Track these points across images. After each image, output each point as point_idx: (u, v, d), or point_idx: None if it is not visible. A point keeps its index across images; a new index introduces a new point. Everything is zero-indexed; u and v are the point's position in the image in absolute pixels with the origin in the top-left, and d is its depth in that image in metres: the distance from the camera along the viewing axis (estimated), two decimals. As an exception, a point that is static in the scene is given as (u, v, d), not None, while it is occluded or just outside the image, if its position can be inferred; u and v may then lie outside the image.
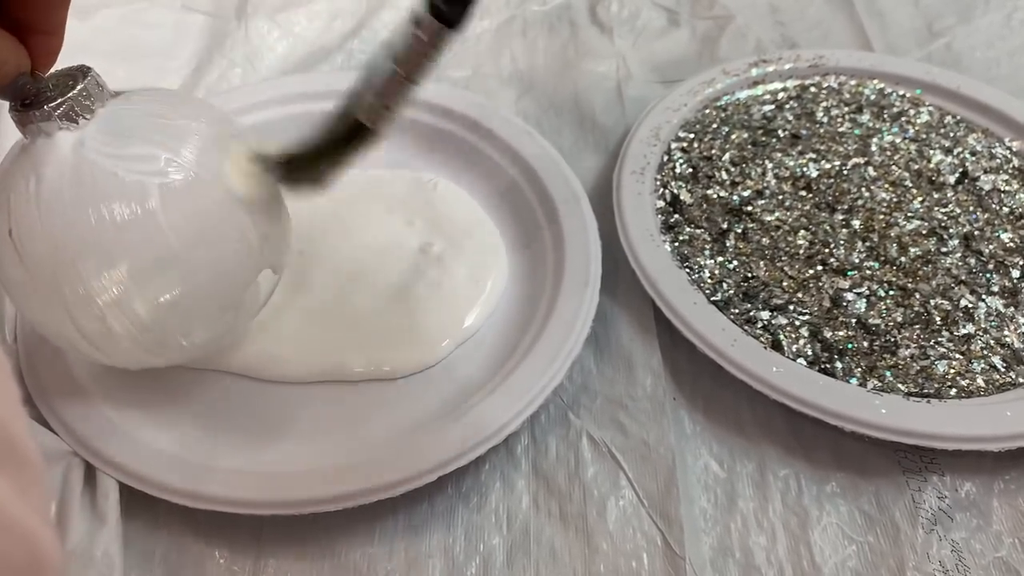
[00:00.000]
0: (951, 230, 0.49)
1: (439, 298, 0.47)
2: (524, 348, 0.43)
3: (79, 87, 0.34)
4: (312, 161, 0.36)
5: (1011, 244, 0.48)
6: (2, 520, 0.18)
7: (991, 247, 0.48)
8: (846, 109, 0.56)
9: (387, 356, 0.44)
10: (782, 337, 0.44)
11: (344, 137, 0.35)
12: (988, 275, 0.47)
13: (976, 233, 0.49)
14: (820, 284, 0.46)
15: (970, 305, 0.45)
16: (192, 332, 0.37)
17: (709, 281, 0.47)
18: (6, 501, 0.18)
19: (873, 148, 0.54)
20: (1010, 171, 0.52)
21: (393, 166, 0.54)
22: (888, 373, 0.43)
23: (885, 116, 0.56)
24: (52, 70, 0.35)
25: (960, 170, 0.52)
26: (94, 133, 0.34)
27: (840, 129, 0.55)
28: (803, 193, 0.51)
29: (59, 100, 0.33)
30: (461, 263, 0.48)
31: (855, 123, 0.55)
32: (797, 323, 0.45)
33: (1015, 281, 0.47)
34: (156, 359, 0.38)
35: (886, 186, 0.51)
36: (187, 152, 0.34)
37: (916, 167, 0.52)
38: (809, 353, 0.43)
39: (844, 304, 0.45)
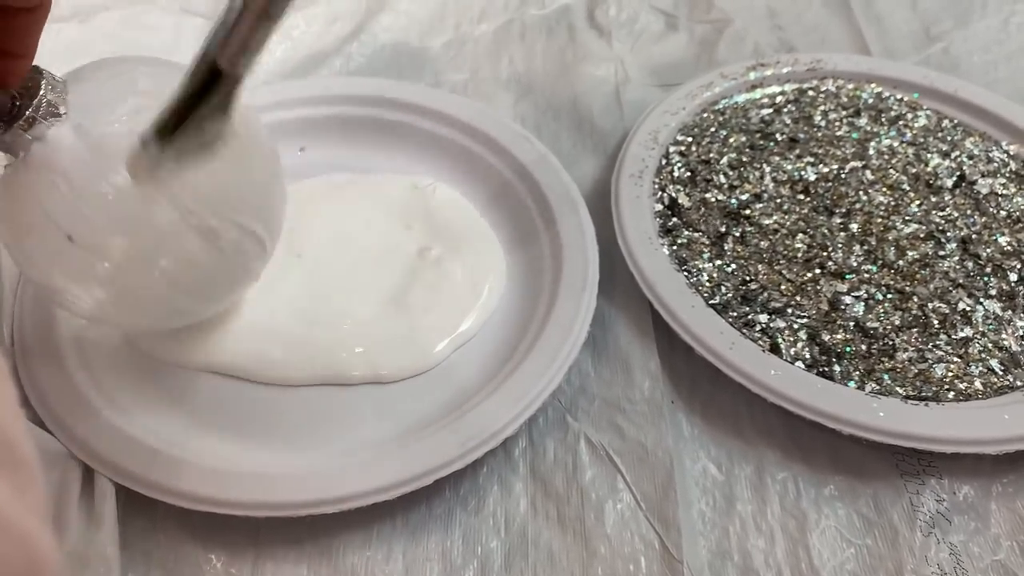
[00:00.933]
0: (949, 234, 0.49)
1: (437, 302, 0.47)
2: (522, 351, 0.43)
3: (43, 83, 0.33)
4: (180, 120, 0.33)
5: (1008, 247, 0.48)
6: (1, 522, 0.18)
7: (989, 250, 0.48)
8: (844, 113, 0.56)
9: (385, 359, 0.44)
10: (780, 340, 0.44)
11: (204, 86, 0.32)
12: (986, 278, 0.47)
13: (974, 236, 0.49)
14: (818, 287, 0.46)
15: (968, 308, 0.45)
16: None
17: (707, 284, 0.47)
18: (4, 503, 0.18)
19: (871, 152, 0.54)
20: (1007, 175, 0.52)
21: (391, 170, 0.54)
22: (886, 376, 0.43)
23: (883, 120, 0.56)
24: None
25: (957, 174, 0.52)
26: (80, 116, 0.34)
27: (838, 133, 0.55)
28: (801, 197, 0.51)
29: (36, 101, 0.33)
30: (459, 267, 0.48)
31: (853, 127, 0.55)
32: (795, 326, 0.45)
33: (1013, 284, 0.47)
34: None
35: (884, 190, 0.51)
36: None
37: (914, 171, 0.53)
38: (807, 356, 0.43)
39: (842, 307, 0.45)
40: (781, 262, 0.48)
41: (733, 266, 0.47)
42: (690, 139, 0.55)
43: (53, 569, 0.20)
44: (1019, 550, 0.39)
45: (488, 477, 0.41)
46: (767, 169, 0.52)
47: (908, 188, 0.51)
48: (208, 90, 0.32)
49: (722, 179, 0.52)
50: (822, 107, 0.57)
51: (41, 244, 0.35)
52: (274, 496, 0.38)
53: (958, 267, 0.47)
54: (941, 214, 0.50)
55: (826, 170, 0.52)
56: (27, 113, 0.33)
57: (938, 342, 0.44)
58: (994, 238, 0.49)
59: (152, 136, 0.33)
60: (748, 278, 0.47)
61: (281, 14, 0.31)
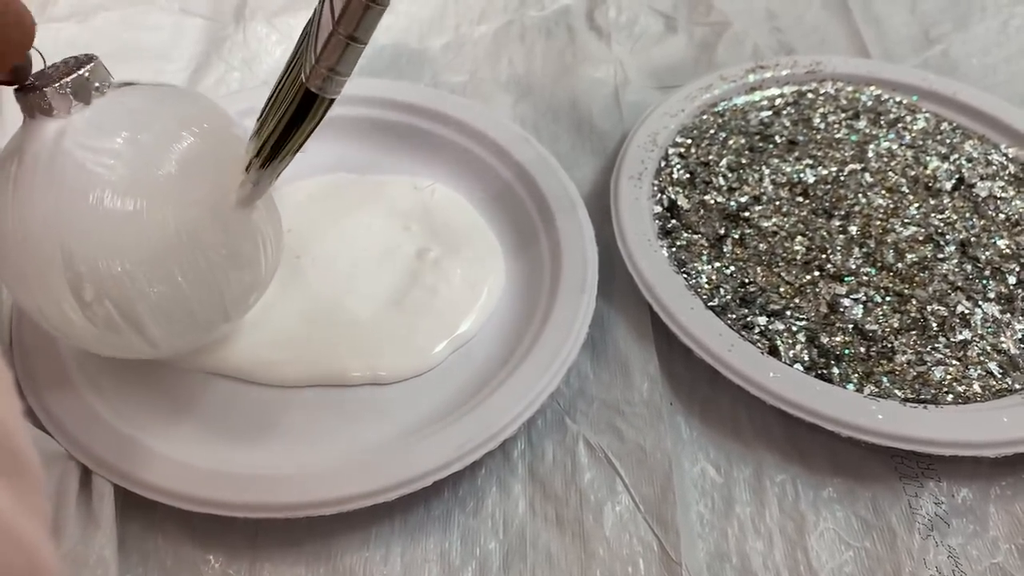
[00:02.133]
0: (948, 236, 0.49)
1: (436, 303, 0.47)
2: (521, 353, 0.43)
3: (81, 72, 0.34)
4: (281, 143, 0.35)
5: (1007, 250, 0.48)
6: (3, 529, 0.18)
7: (987, 253, 0.48)
8: (843, 115, 0.57)
9: (383, 361, 0.44)
10: (779, 342, 0.44)
11: (299, 110, 0.34)
12: (984, 281, 0.47)
13: (972, 239, 0.49)
14: (817, 290, 0.46)
15: (967, 311, 0.45)
16: (146, 328, 0.36)
17: (706, 286, 0.47)
18: (7, 510, 0.18)
19: (870, 154, 0.54)
20: (1006, 178, 0.52)
21: (390, 171, 0.54)
22: (885, 379, 0.43)
23: (882, 122, 0.56)
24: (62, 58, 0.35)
25: (956, 176, 0.52)
26: (81, 123, 0.34)
27: (837, 135, 0.55)
28: (800, 199, 0.51)
29: (58, 83, 0.33)
30: (457, 268, 0.48)
31: (852, 129, 0.56)
32: (794, 328, 0.45)
33: (1011, 287, 0.47)
34: (118, 350, 0.38)
35: (883, 192, 0.51)
36: (161, 153, 0.34)
37: (913, 173, 0.53)
38: (806, 359, 0.43)
39: (841, 310, 0.45)
40: (780, 264, 0.48)
41: (732, 268, 0.48)
42: (689, 141, 0.55)
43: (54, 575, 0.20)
44: (1018, 553, 0.39)
45: (487, 479, 0.41)
46: (766, 171, 0.53)
47: (907, 191, 0.52)
48: (304, 113, 0.34)
49: (721, 181, 0.52)
50: (821, 109, 0.57)
51: (34, 256, 0.34)
52: (272, 498, 0.37)
53: (957, 270, 0.47)
54: (940, 217, 0.50)
55: (825, 172, 0.52)
56: (44, 89, 0.33)
57: (937, 345, 0.44)
58: (993, 241, 0.49)
59: (254, 161, 0.35)
60: (747, 280, 0.47)
61: (368, 37, 0.33)
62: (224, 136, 0.37)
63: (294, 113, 0.34)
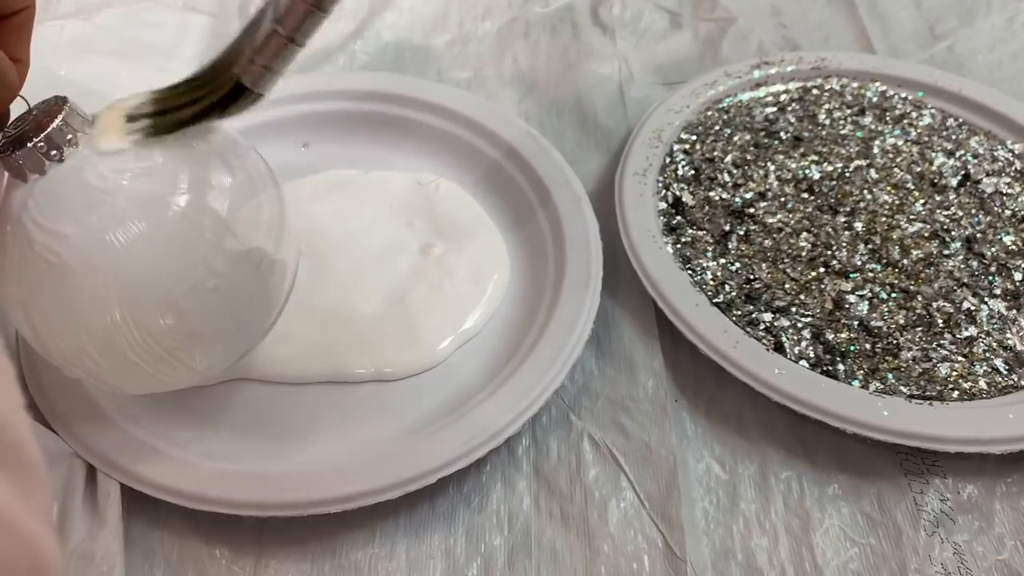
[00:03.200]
0: (953, 233, 0.49)
1: (440, 299, 0.47)
2: (525, 349, 0.43)
3: (64, 112, 0.33)
4: (191, 122, 0.34)
5: (1013, 247, 0.48)
6: (5, 524, 0.18)
7: (993, 250, 0.48)
8: (848, 111, 0.56)
9: (388, 357, 0.44)
10: (784, 339, 0.44)
11: (225, 99, 0.33)
12: (990, 278, 0.47)
13: (978, 236, 0.49)
14: (822, 286, 0.46)
15: (972, 308, 0.45)
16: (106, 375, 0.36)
17: (711, 283, 0.47)
18: (8, 505, 0.19)
19: (875, 150, 0.54)
20: (1012, 174, 0.52)
21: (395, 167, 0.54)
22: (890, 375, 0.43)
23: (887, 118, 0.56)
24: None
25: (962, 173, 0.52)
26: (40, 195, 0.33)
27: (842, 131, 0.55)
28: (805, 195, 0.51)
29: (31, 143, 0.32)
30: (462, 264, 0.48)
31: (857, 125, 0.55)
32: (799, 325, 0.44)
33: (1017, 284, 0.47)
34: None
35: (888, 188, 0.51)
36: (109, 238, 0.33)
37: (918, 170, 0.52)
38: (811, 355, 0.43)
39: (846, 306, 0.45)
40: (785, 261, 0.48)
41: (737, 264, 0.47)
42: (694, 137, 0.55)
43: (57, 571, 0.20)
44: (1023, 549, 0.39)
45: (491, 475, 0.41)
46: (771, 167, 0.52)
47: (912, 187, 0.51)
48: (229, 103, 0.33)
49: (726, 177, 0.52)
50: (826, 105, 0.57)
51: (32, 277, 0.34)
52: (278, 496, 0.38)
53: (962, 266, 0.47)
54: (946, 213, 0.50)
55: (830, 169, 0.52)
56: (40, 136, 0.32)
57: (942, 341, 0.44)
58: (999, 237, 0.49)
59: (147, 119, 0.34)
60: (752, 277, 0.47)
61: (306, 40, 0.32)
62: (191, 209, 0.34)
63: (218, 101, 0.33)
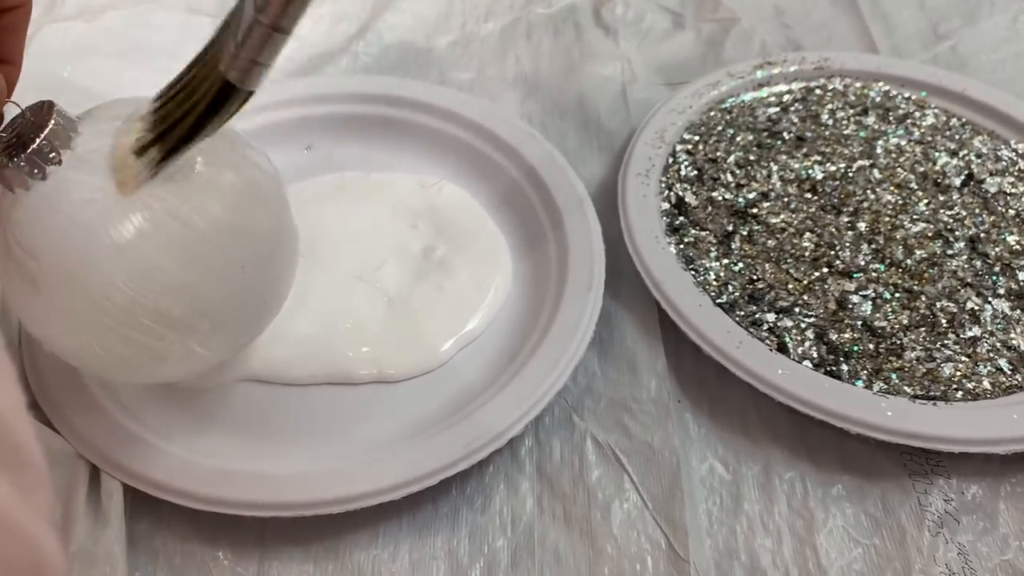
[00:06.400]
0: (957, 232, 0.49)
1: (443, 301, 0.47)
2: (528, 351, 0.43)
3: (53, 119, 0.32)
4: (191, 136, 0.32)
5: (1017, 247, 0.48)
6: (5, 524, 0.18)
7: (997, 249, 0.48)
8: (851, 111, 0.56)
9: (391, 359, 0.44)
10: (788, 339, 0.44)
11: (215, 101, 0.31)
12: (994, 278, 0.47)
13: (982, 235, 0.49)
14: (826, 286, 0.46)
15: (976, 308, 0.45)
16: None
17: (714, 283, 0.46)
18: (10, 505, 0.19)
19: (878, 150, 0.53)
20: (1016, 173, 0.52)
21: (397, 169, 0.54)
22: (894, 376, 0.42)
23: (890, 118, 0.56)
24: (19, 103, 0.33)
25: (966, 172, 0.52)
26: (20, 214, 0.32)
27: (845, 131, 0.55)
28: (808, 195, 0.51)
29: (43, 135, 0.31)
30: (464, 266, 0.48)
31: (860, 125, 0.55)
32: (803, 325, 0.44)
33: (1021, 284, 0.46)
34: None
35: (891, 188, 0.51)
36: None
37: (921, 169, 0.52)
38: (815, 355, 0.43)
39: (850, 306, 0.45)
40: (788, 261, 0.47)
41: (740, 265, 0.47)
42: (697, 138, 0.55)
43: (58, 572, 0.20)
44: (1028, 550, 0.39)
45: (494, 476, 0.41)
46: (774, 168, 0.52)
47: (916, 187, 0.51)
48: (220, 105, 0.31)
49: (729, 178, 0.52)
50: (829, 106, 0.57)
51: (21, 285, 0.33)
52: (281, 496, 0.38)
53: (966, 266, 0.47)
54: (949, 213, 0.50)
55: (833, 169, 0.52)
56: (30, 148, 0.31)
57: (946, 341, 0.44)
58: (1002, 237, 0.49)
59: (154, 147, 0.32)
60: (755, 277, 0.47)
61: (293, 27, 0.29)
62: (167, 243, 0.33)
63: (209, 104, 0.31)
